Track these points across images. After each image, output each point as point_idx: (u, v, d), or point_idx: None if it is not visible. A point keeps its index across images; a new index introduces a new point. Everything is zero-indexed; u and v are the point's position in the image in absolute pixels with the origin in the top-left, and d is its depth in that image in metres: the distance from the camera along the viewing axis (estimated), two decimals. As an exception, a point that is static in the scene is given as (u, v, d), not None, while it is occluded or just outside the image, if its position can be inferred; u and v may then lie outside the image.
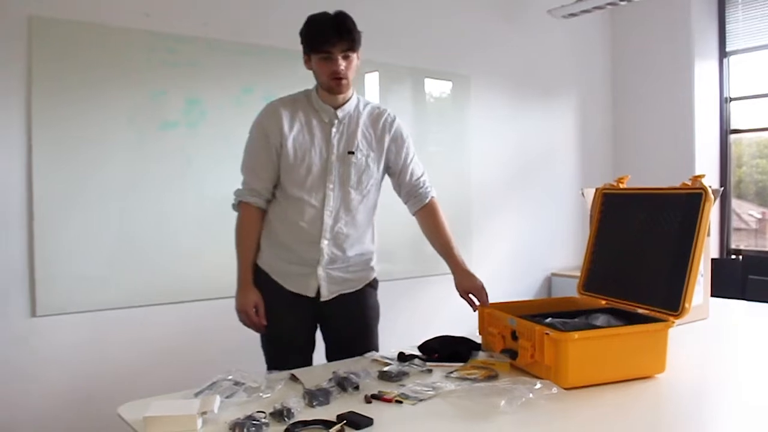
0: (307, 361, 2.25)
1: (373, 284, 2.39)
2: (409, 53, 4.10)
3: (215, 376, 1.75)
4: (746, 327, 2.72)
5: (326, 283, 2.25)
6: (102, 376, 3.09)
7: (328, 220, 2.21)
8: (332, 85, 2.16)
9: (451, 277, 2.30)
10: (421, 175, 2.38)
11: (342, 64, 2.12)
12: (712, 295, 2.74)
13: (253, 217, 2.25)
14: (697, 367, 2.03)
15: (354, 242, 2.27)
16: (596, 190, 2.39)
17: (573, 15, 4.73)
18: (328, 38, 2.09)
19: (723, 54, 5.10)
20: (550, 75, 5.10)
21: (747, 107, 5.14)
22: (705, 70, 5.03)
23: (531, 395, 1.64)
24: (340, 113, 2.22)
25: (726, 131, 5.12)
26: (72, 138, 3.03)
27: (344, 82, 2.15)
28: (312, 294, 2.25)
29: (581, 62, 5.32)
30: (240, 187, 2.28)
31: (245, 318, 2.24)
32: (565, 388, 1.72)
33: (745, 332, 2.62)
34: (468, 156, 4.49)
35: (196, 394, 1.67)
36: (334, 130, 2.22)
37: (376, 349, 2.28)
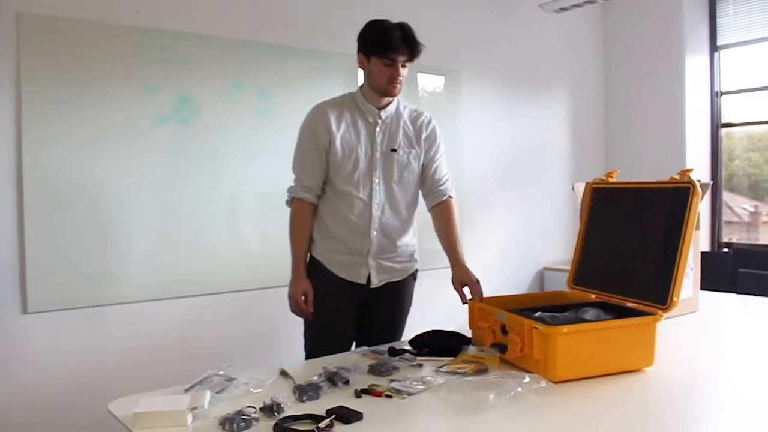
0: (347, 348, 2.35)
1: (414, 275, 2.56)
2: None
3: (206, 372, 1.76)
4: (736, 320, 2.74)
5: (376, 271, 2.41)
6: (93, 373, 3.09)
7: (376, 212, 2.38)
8: (389, 89, 2.32)
9: (443, 272, 2.39)
10: (445, 175, 2.52)
11: (402, 71, 2.31)
12: (702, 289, 2.76)
13: (306, 212, 2.40)
14: (686, 360, 2.04)
15: (400, 233, 2.44)
16: (586, 184, 2.40)
17: (564, 9, 4.73)
18: (398, 47, 2.26)
19: (714, 48, 5.11)
20: (542, 70, 5.11)
21: (738, 101, 5.15)
22: (696, 64, 5.04)
23: (520, 389, 1.65)
24: (383, 114, 2.39)
25: (717, 125, 5.13)
26: (63, 135, 3.02)
27: (398, 87, 2.33)
28: (363, 281, 2.41)
29: (573, 57, 5.33)
30: (292, 184, 2.42)
31: (294, 305, 2.38)
32: (554, 382, 1.73)
33: (735, 325, 2.64)
34: (460, 151, 4.49)
35: (187, 390, 1.67)
36: (378, 129, 2.38)
37: (401, 337, 2.50)
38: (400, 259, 2.46)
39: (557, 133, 5.24)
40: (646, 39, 5.22)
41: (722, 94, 5.13)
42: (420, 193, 2.52)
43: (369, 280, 2.41)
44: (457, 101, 4.52)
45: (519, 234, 4.97)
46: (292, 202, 2.42)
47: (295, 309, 2.40)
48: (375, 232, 2.38)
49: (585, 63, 5.43)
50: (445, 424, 1.55)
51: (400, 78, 2.31)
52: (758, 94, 4.99)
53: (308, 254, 2.44)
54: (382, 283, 2.43)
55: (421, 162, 2.46)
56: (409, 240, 2.48)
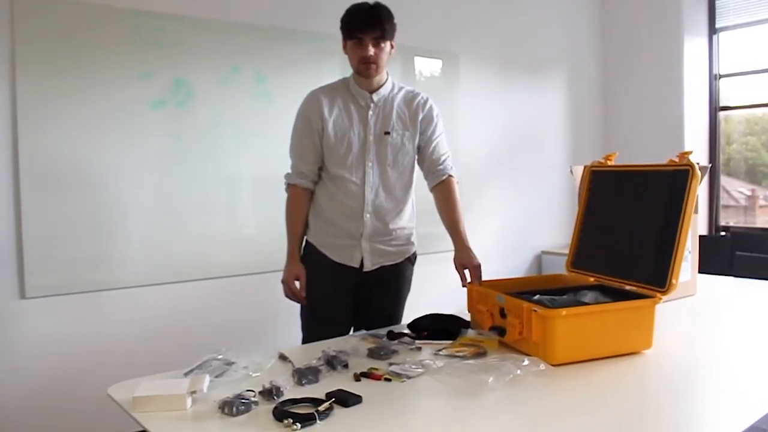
0: (343, 332, 2.31)
1: (411, 259, 2.53)
2: (399, 31, 4.04)
3: (205, 356, 1.76)
4: (733, 303, 2.75)
5: (369, 254, 2.39)
6: (92, 357, 3.09)
7: (369, 195, 2.36)
8: (361, 69, 2.31)
9: (441, 255, 2.40)
10: (444, 154, 2.49)
11: (371, 50, 2.27)
12: (700, 272, 2.76)
13: (301, 198, 2.41)
14: (684, 342, 2.05)
15: (394, 216, 2.42)
16: (584, 167, 2.40)
17: (563, -8, 4.71)
18: (361, 25, 2.26)
19: (712, 30, 5.09)
20: (540, 53, 5.08)
21: (736, 84, 5.14)
22: (694, 46, 5.02)
23: (519, 372, 1.66)
24: (375, 97, 2.37)
25: (715, 108, 5.12)
26: (59, 119, 3.00)
27: (373, 66, 2.29)
28: (356, 264, 2.39)
29: (571, 39, 5.30)
30: (289, 171, 2.43)
31: (287, 289, 2.40)
32: (553, 365, 1.73)
33: (732, 308, 2.65)
34: (458, 134, 4.47)
35: (186, 374, 1.67)
36: (370, 112, 2.37)
37: (400, 321, 2.46)
38: (396, 242, 2.44)
39: (555, 117, 5.23)
40: (644, 21, 5.19)
41: (721, 77, 5.12)
42: (421, 174, 2.50)
43: (362, 264, 2.40)
44: (455, 84, 4.50)
45: (517, 217, 4.97)
46: (289, 188, 2.43)
47: (289, 294, 2.40)
48: (368, 215, 2.36)
49: (583, 46, 5.40)
50: (444, 406, 1.55)
51: (371, 56, 2.27)
52: (757, 77, 4.97)
53: (304, 239, 2.45)
54: (376, 266, 2.41)
55: (417, 143, 2.44)
56: (404, 223, 2.46)
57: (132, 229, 3.21)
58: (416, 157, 2.46)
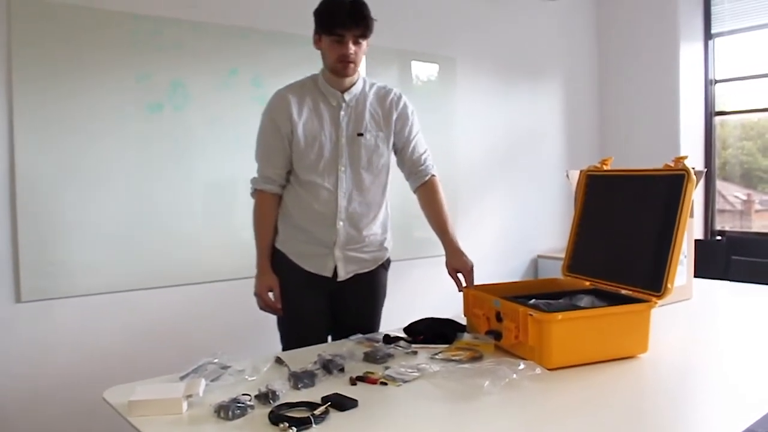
0: (322, 340, 2.27)
1: (385, 264, 2.45)
2: (396, 36, 4.08)
3: (201, 360, 1.76)
4: (729, 307, 2.75)
5: (343, 263, 2.30)
6: (87, 361, 3.08)
7: (342, 202, 2.25)
8: (339, 68, 2.18)
9: (436, 260, 2.34)
10: (424, 152, 2.41)
11: (352, 48, 2.15)
12: (695, 276, 2.77)
13: (269, 204, 2.31)
14: (679, 347, 2.05)
15: (369, 222, 2.32)
16: (580, 172, 2.40)
17: (559, -3, 4.72)
18: (343, 22, 2.11)
19: (708, 36, 5.10)
20: (536, 57, 5.09)
21: (732, 89, 5.16)
22: (690, 52, 5.03)
23: (515, 376, 1.66)
24: (347, 96, 2.26)
25: (711, 113, 5.13)
26: (55, 121, 2.99)
27: (351, 66, 2.18)
28: (329, 274, 2.30)
29: (567, 44, 5.31)
30: (255, 175, 2.33)
31: (261, 302, 2.31)
32: (549, 369, 1.73)
33: (728, 312, 2.65)
34: (455, 138, 4.48)
35: (182, 378, 1.67)
36: (342, 113, 2.25)
37: (377, 329, 2.37)
38: (368, 249, 2.34)
39: (552, 121, 5.24)
40: (640, 27, 5.21)
41: (716, 82, 5.13)
42: (402, 176, 2.43)
43: (336, 273, 2.30)
44: (452, 89, 4.51)
45: (513, 221, 4.97)
46: (256, 194, 2.33)
47: (263, 306, 2.31)
48: (341, 222, 2.26)
49: (579, 50, 5.42)
50: (440, 411, 1.55)
51: (351, 55, 2.15)
52: (752, 82, 4.99)
53: (272, 246, 2.35)
54: (350, 275, 2.32)
55: (394, 143, 2.34)
56: (377, 228, 2.36)
57: (128, 233, 3.20)
58: (391, 158, 2.37)
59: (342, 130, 2.25)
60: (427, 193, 2.39)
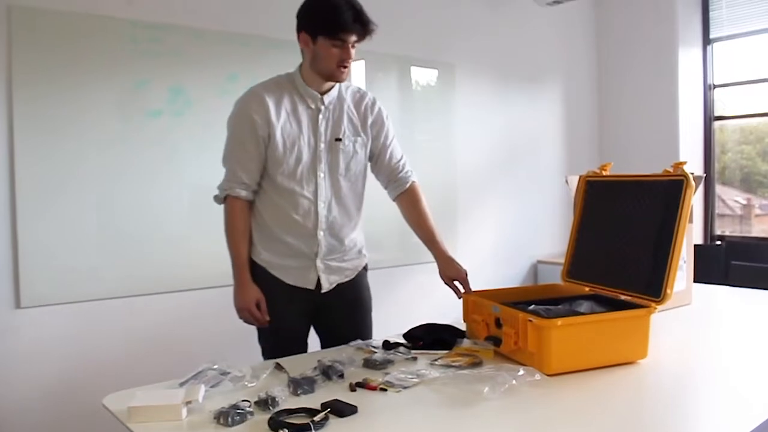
0: (304, 349, 2.23)
1: (365, 269, 2.38)
2: (395, 41, 4.08)
3: (200, 366, 1.76)
4: (729, 312, 2.75)
5: (325, 274, 2.21)
6: (87, 367, 3.08)
7: (322, 211, 2.17)
8: (337, 74, 2.10)
9: (434, 266, 2.30)
10: (401, 159, 2.33)
11: (352, 53, 2.08)
12: (695, 281, 2.76)
13: (243, 211, 2.17)
14: (679, 352, 2.05)
15: (348, 230, 2.25)
16: (579, 177, 2.40)
17: (558, 2, 4.73)
18: (350, 27, 2.03)
19: (707, 41, 5.11)
20: (535, 63, 5.10)
21: (731, 94, 5.17)
22: (689, 57, 5.04)
23: (514, 382, 1.66)
24: (326, 99, 2.17)
25: (710, 118, 5.14)
26: (55, 128, 2.99)
27: (347, 71, 2.12)
28: (312, 286, 2.21)
29: (566, 50, 5.32)
30: (223, 179, 2.19)
31: (248, 316, 2.16)
32: (549, 375, 1.73)
33: (728, 317, 2.65)
34: (454, 144, 4.49)
35: (181, 384, 1.67)
36: (321, 116, 2.16)
37: (371, 336, 2.29)
38: (348, 257, 2.27)
39: (551, 126, 5.25)
40: (639, 32, 5.22)
41: (715, 86, 5.14)
42: (378, 183, 2.36)
43: (319, 285, 2.21)
44: (451, 94, 4.51)
45: (513, 227, 4.97)
46: (227, 200, 2.17)
47: (249, 319, 2.16)
48: (321, 232, 2.17)
49: (578, 56, 5.43)
50: (439, 416, 1.55)
51: (351, 61, 2.08)
52: (751, 87, 5.00)
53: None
54: (333, 285, 2.23)
55: (370, 150, 2.26)
56: (356, 235, 2.28)
57: (129, 239, 3.20)
58: (368, 164, 2.30)
59: (321, 134, 2.15)
60: (409, 200, 2.32)
